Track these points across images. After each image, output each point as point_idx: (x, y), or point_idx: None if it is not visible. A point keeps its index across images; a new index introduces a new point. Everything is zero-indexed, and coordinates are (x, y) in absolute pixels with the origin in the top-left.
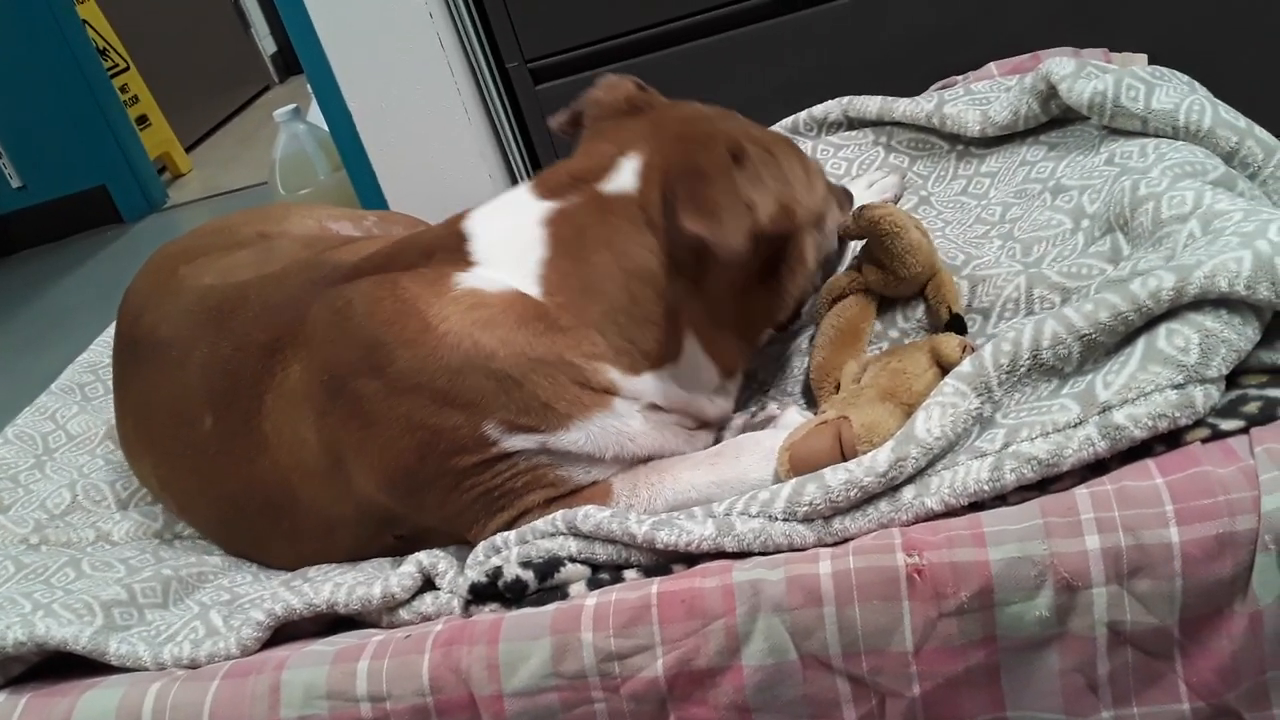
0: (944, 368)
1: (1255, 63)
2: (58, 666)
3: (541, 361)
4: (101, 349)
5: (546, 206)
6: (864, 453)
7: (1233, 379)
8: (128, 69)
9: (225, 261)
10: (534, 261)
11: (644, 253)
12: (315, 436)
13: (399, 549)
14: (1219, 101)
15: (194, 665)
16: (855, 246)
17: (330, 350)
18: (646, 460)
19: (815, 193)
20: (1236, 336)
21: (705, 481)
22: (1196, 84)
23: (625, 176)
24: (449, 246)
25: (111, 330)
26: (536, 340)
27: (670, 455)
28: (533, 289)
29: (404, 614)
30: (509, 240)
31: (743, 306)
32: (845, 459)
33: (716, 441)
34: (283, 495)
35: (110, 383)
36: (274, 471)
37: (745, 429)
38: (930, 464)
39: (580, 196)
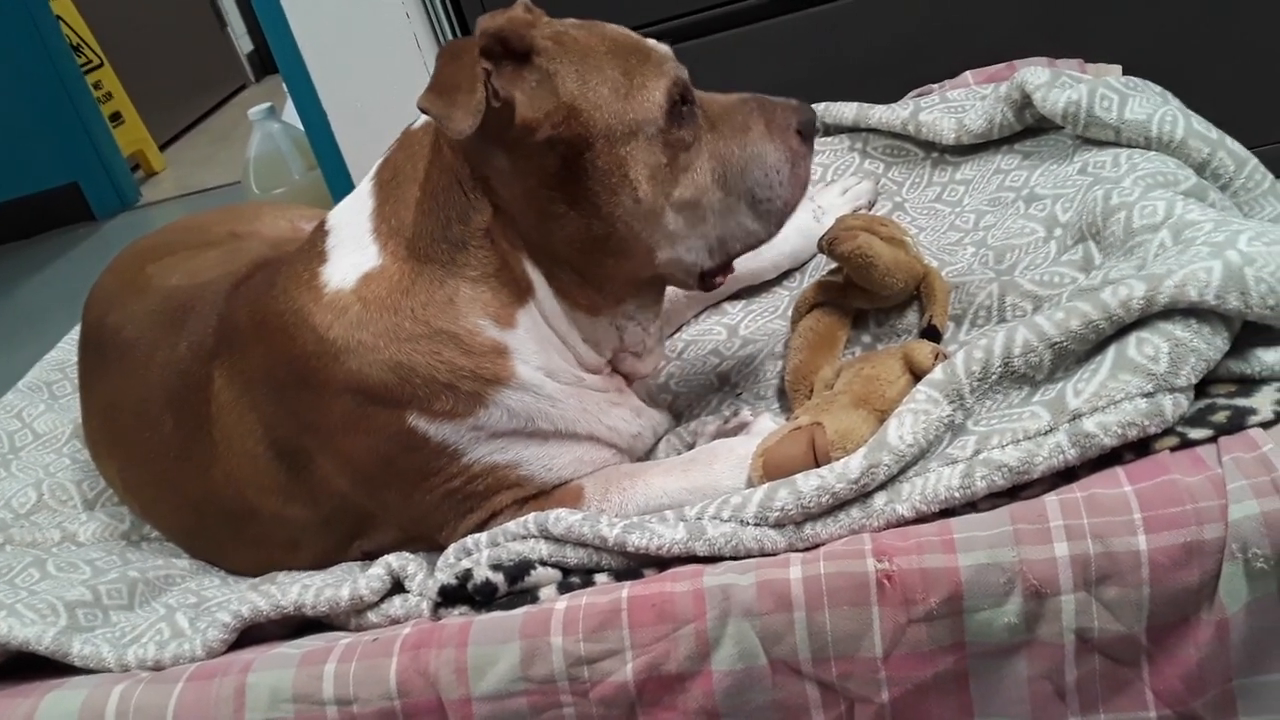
0: (916, 375)
1: (1228, 75)
2: (21, 667)
3: (415, 338)
4: (70, 347)
5: (379, 162)
6: (837, 459)
7: (1201, 388)
8: (101, 65)
9: (193, 262)
10: (366, 218)
11: (440, 172)
12: (266, 450)
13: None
14: (1192, 113)
15: (158, 667)
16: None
17: (254, 363)
18: (589, 438)
19: (634, 102)
20: (1206, 346)
21: (677, 487)
22: (1170, 95)
23: None
24: (313, 242)
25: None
26: (400, 317)
27: (597, 422)
28: (371, 251)
29: (372, 616)
30: (352, 209)
31: (563, 232)
32: (818, 465)
33: (665, 449)
34: (241, 506)
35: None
36: (230, 484)
37: (718, 435)
38: (902, 471)
39: (399, 140)
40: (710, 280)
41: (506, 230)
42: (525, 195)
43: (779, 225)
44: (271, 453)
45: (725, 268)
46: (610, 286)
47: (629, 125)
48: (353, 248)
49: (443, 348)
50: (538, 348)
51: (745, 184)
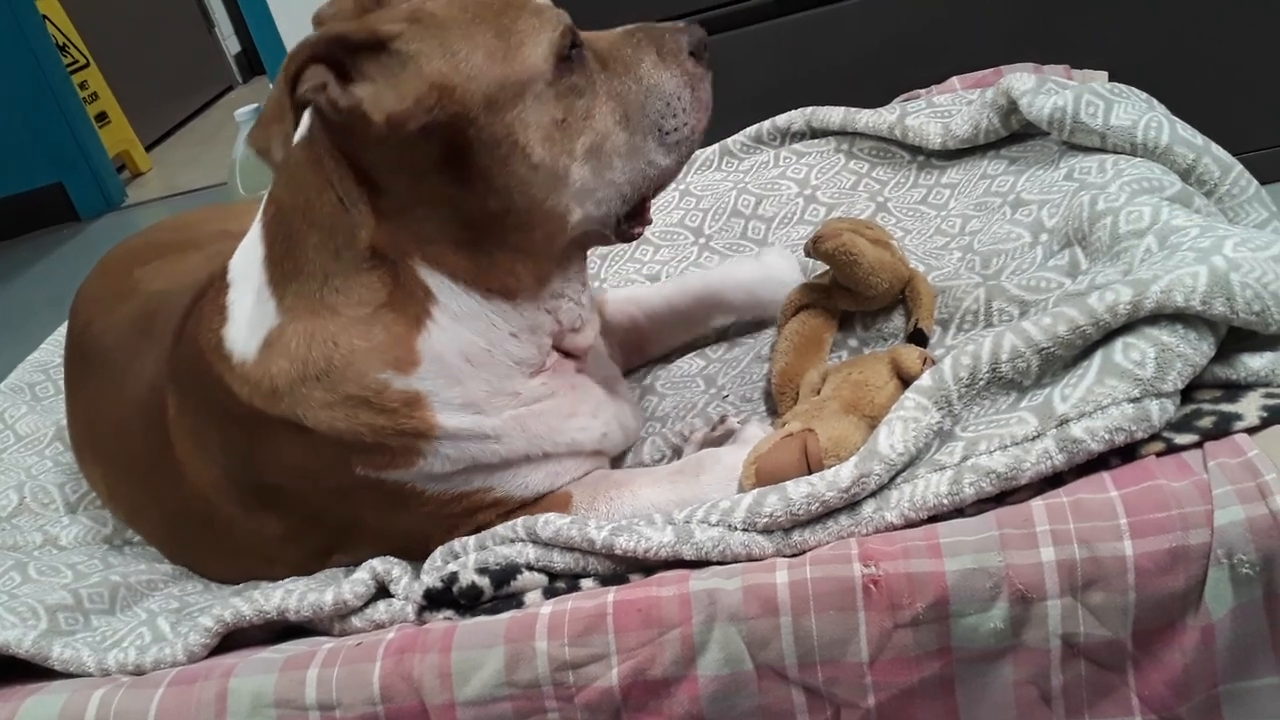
0: (905, 380)
1: (1212, 82)
2: (1, 670)
3: (330, 405)
4: (52, 348)
5: (265, 198)
6: (830, 466)
7: (1187, 393)
8: (87, 65)
9: (179, 265)
10: (259, 267)
11: (318, 193)
12: (226, 479)
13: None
14: (1177, 119)
15: (139, 671)
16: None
17: (199, 413)
18: (546, 458)
19: (515, 63)
20: (1192, 351)
21: (665, 499)
22: (1155, 101)
23: (303, 124)
24: (217, 294)
25: (63, 329)
26: (309, 388)
27: (550, 443)
28: (269, 308)
29: (356, 621)
30: (248, 256)
31: (460, 217)
32: (811, 472)
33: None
34: (213, 520)
35: (61, 382)
36: (198, 499)
37: (705, 443)
38: (891, 478)
39: (277, 169)
40: (629, 230)
41: (395, 236)
42: (411, 187)
43: (688, 154)
44: (230, 480)
45: (641, 214)
46: (525, 263)
47: (513, 88)
48: (250, 303)
49: (358, 411)
50: (449, 379)
51: (648, 118)
